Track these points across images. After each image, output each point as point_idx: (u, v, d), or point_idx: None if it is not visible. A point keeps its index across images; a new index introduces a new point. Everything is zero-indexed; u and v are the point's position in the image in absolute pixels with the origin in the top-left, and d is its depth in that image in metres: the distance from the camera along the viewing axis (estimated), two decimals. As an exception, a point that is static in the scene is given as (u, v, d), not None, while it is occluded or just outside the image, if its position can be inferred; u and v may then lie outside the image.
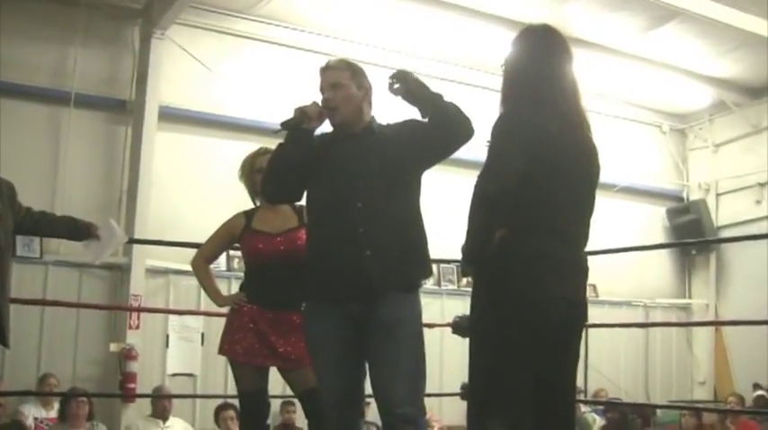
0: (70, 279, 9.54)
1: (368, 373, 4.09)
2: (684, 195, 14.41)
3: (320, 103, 4.16)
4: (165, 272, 10.11)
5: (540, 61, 3.57)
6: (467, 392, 3.63)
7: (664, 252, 14.03)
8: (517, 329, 3.31)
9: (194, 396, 10.05)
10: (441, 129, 4.02)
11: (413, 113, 4.18)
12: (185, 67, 10.35)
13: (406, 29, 11.06)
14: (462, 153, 4.01)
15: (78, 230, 5.42)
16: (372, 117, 4.26)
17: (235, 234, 5.25)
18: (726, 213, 13.88)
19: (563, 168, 3.43)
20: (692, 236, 13.11)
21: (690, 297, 14.35)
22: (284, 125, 4.15)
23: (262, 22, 10.84)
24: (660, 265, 14.03)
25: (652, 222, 14.02)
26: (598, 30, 10.98)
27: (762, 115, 13.39)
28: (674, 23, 10.87)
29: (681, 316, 14.12)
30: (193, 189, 10.33)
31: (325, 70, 4.22)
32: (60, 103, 9.75)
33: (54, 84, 9.80)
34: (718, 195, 14.07)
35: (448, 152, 4.11)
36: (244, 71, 10.82)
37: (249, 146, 10.61)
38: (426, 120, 4.05)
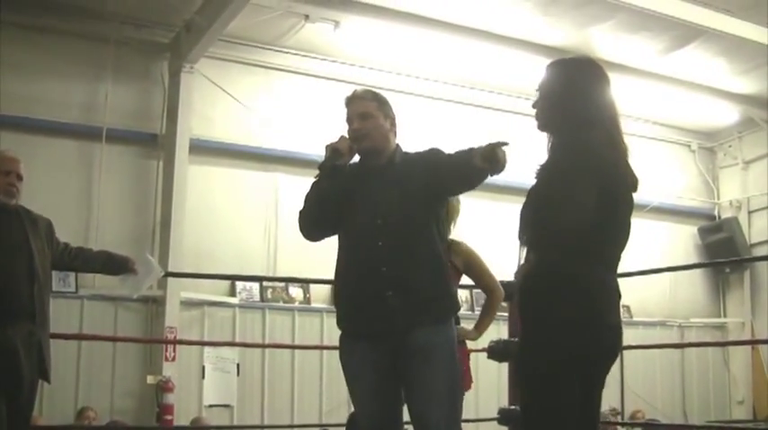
0: (106, 313, 9.60)
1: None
2: (716, 213, 14.34)
3: (347, 135, 4.19)
4: (200, 303, 10.17)
5: (586, 89, 3.54)
6: (519, 417, 3.62)
7: (697, 271, 13.92)
8: (571, 356, 3.32)
9: (231, 427, 10.08)
10: (465, 184, 4.03)
11: (435, 142, 4.22)
12: (215, 100, 10.45)
13: (433, 57, 11.12)
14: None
15: (115, 265, 5.48)
16: (397, 146, 4.26)
17: None
18: (758, 230, 13.80)
19: (617, 198, 3.45)
20: (725, 254, 13.03)
21: (725, 316, 14.24)
22: (321, 168, 4.17)
23: (289, 53, 10.93)
24: (693, 285, 13.93)
25: (684, 241, 13.96)
26: (622, 51, 11.00)
27: (791, 131, 13.34)
28: (698, 42, 10.85)
29: (716, 335, 13.99)
30: (226, 220, 10.42)
31: (352, 100, 4.24)
32: (92, 139, 9.84)
33: (85, 119, 9.89)
34: (750, 212, 14.00)
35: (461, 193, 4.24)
36: (273, 102, 10.91)
37: (281, 177, 10.84)
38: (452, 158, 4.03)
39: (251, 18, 9.84)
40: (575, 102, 3.50)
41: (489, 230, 10.21)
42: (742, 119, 13.59)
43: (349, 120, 4.22)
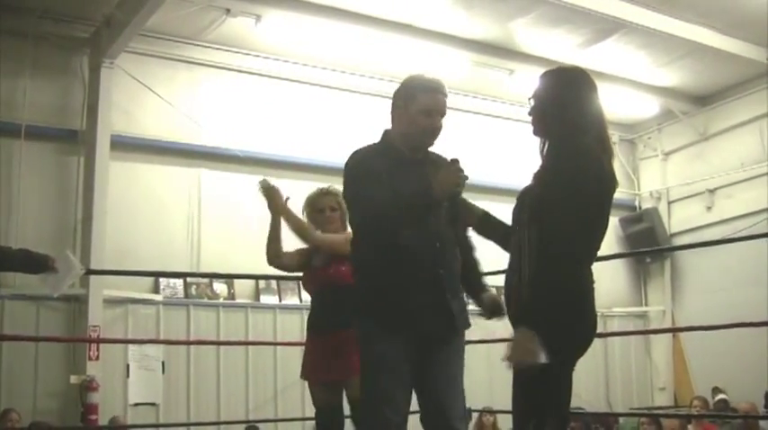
0: (27, 312, 9.43)
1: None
2: (636, 204, 14.59)
3: (420, 124, 4.08)
4: (123, 301, 10.05)
5: (578, 96, 3.74)
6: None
7: (619, 261, 14.06)
8: (570, 353, 3.60)
9: (156, 425, 9.98)
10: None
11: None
12: (136, 95, 10.33)
13: (355, 51, 11.05)
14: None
15: (34, 263, 5.37)
16: None
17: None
18: (678, 220, 14.08)
19: (606, 199, 3.64)
20: (646, 244, 13.27)
21: (646, 304, 14.51)
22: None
23: (211, 47, 10.85)
24: (615, 275, 14.09)
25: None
26: (544, 44, 11.14)
27: (709, 122, 13.65)
28: (619, 35, 11.06)
29: (638, 324, 14.20)
30: (148, 217, 10.32)
31: (438, 94, 4.15)
32: (11, 136, 9.66)
33: (4, 116, 9.69)
34: (669, 203, 14.28)
35: None
36: (195, 97, 10.82)
37: (203, 172, 10.75)
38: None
39: (171, 12, 9.77)
40: (568, 109, 3.70)
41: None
42: (662, 111, 13.88)
43: (429, 111, 4.09)
